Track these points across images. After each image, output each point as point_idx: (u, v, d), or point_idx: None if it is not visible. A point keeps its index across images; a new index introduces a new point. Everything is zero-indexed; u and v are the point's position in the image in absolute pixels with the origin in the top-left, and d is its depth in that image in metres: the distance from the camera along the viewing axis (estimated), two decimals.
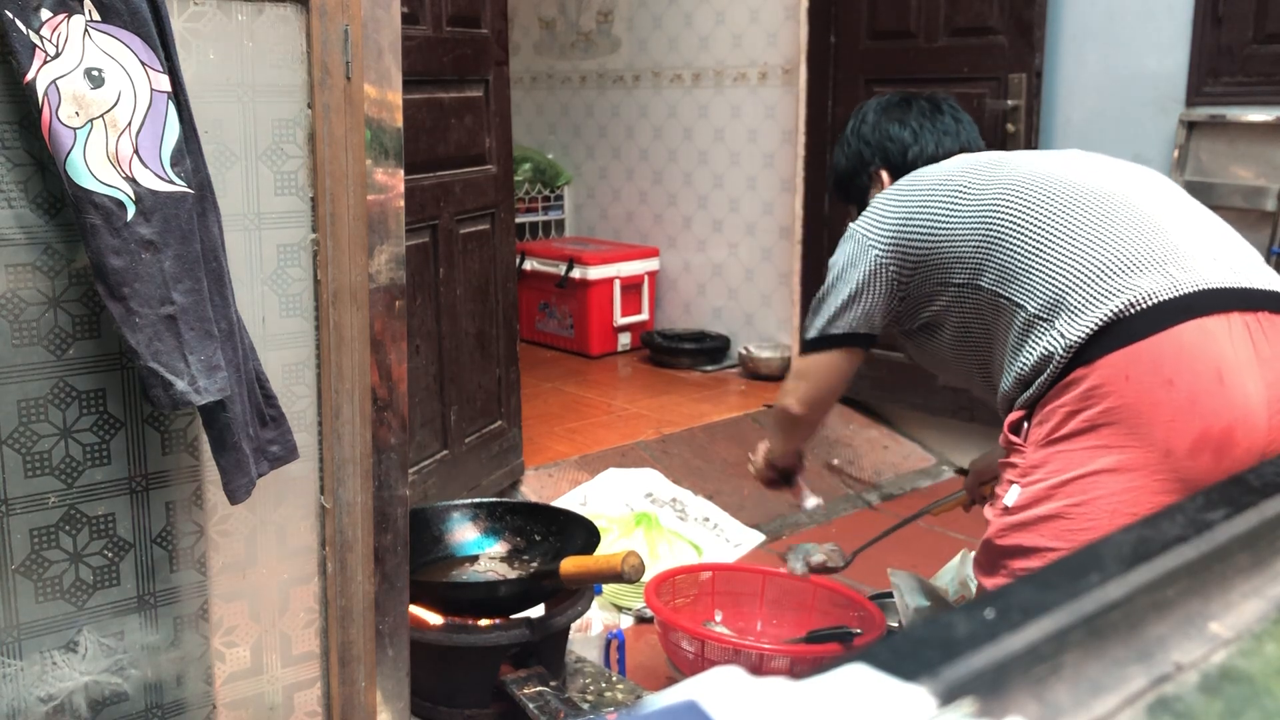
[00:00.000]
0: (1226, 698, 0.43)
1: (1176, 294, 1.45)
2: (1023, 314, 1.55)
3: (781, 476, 2.19)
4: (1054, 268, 1.52)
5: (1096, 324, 1.46)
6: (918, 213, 1.69)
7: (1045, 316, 1.52)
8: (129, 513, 1.32)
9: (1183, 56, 3.25)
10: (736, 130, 4.53)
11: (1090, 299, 1.48)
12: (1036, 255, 1.54)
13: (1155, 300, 1.45)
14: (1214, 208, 1.70)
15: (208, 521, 1.39)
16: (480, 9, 2.98)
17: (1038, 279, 1.54)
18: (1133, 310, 1.45)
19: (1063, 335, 1.48)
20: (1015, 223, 1.57)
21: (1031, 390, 1.53)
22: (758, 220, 4.51)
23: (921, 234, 1.68)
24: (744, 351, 4.45)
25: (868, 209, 1.80)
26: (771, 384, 4.32)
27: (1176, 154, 3.26)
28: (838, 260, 1.80)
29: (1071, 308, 1.49)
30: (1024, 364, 1.54)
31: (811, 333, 1.84)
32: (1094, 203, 1.56)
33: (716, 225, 4.68)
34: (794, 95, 4.22)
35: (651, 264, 4.87)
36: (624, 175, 5.05)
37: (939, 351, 1.77)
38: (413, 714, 1.69)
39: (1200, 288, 1.46)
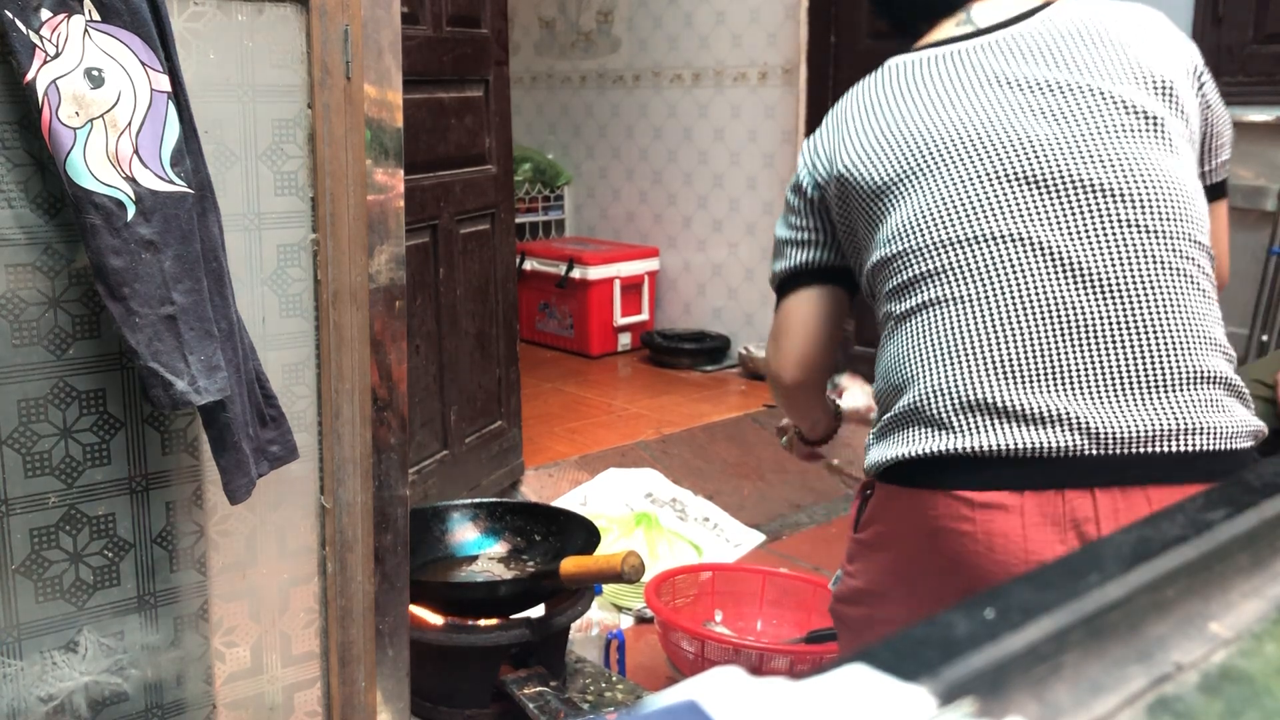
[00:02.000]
0: (1226, 698, 0.43)
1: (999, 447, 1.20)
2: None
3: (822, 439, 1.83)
4: (913, 351, 1.29)
5: (897, 452, 1.28)
6: (844, 163, 1.40)
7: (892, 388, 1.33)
8: (129, 513, 1.32)
9: None
10: (736, 130, 4.53)
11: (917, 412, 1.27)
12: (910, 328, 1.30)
13: (963, 449, 1.22)
14: None
15: (208, 521, 1.39)
16: (480, 9, 2.98)
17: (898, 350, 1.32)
18: (924, 454, 1.24)
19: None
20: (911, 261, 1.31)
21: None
22: (758, 220, 4.51)
23: (842, 187, 1.41)
24: (744, 351, 4.46)
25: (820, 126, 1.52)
26: None
27: None
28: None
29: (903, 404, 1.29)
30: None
31: (773, 281, 1.55)
32: (1004, 281, 1.24)
33: (716, 225, 4.68)
34: (794, 95, 4.22)
35: (651, 264, 4.87)
36: (624, 175, 5.05)
37: None
38: (413, 714, 1.69)
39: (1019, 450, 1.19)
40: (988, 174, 1.27)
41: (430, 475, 2.85)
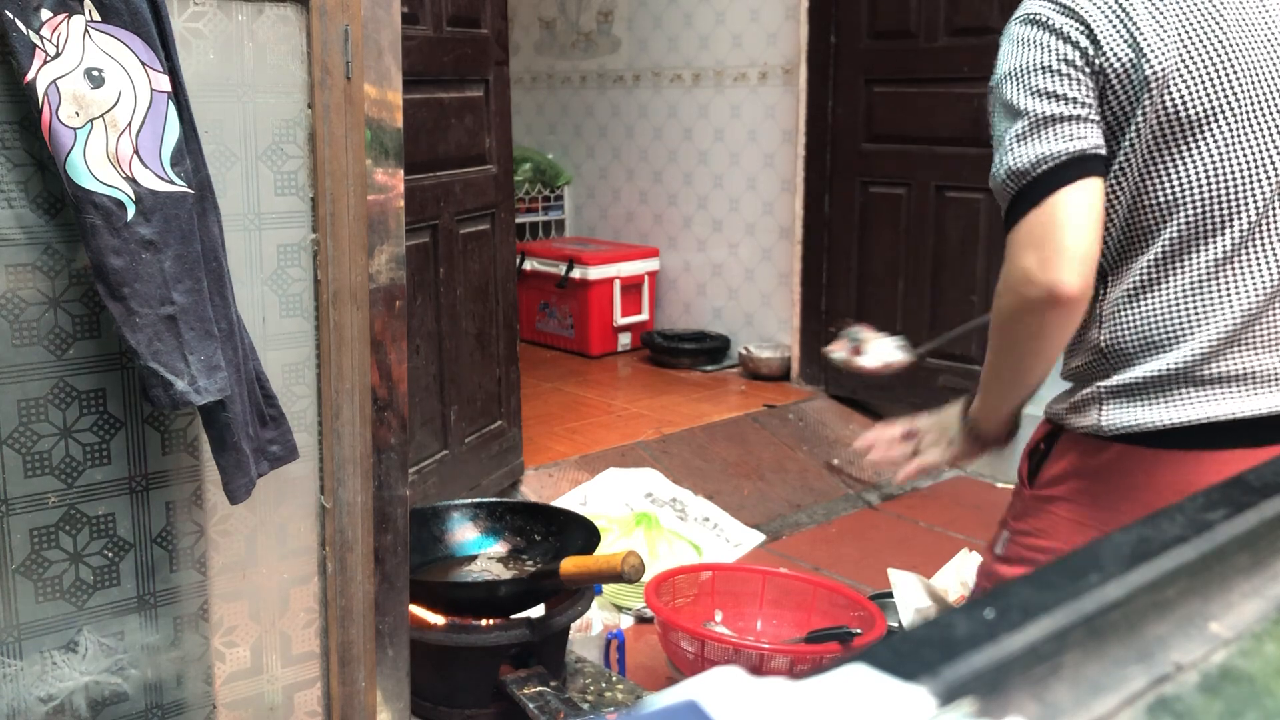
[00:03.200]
0: (1226, 698, 0.43)
1: (1219, 418, 1.27)
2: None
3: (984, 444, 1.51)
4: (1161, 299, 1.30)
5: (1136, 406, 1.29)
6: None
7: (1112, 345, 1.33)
8: (129, 513, 1.32)
9: None
10: (736, 130, 4.53)
11: (1154, 369, 1.29)
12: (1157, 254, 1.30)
13: (1200, 419, 1.27)
14: None
15: (208, 521, 1.39)
16: (480, 9, 2.98)
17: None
18: (1167, 424, 1.27)
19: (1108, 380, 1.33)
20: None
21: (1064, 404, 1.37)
22: (758, 220, 4.51)
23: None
24: (744, 351, 4.46)
25: None
26: (771, 384, 4.32)
27: None
28: (1002, 63, 1.30)
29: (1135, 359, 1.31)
30: (1074, 361, 1.37)
31: (1013, 183, 1.26)
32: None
33: (716, 225, 4.68)
34: (794, 95, 4.22)
35: (651, 264, 4.87)
36: (624, 175, 5.05)
37: None
38: (413, 714, 1.69)
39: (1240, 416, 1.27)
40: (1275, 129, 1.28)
41: (430, 475, 2.85)
